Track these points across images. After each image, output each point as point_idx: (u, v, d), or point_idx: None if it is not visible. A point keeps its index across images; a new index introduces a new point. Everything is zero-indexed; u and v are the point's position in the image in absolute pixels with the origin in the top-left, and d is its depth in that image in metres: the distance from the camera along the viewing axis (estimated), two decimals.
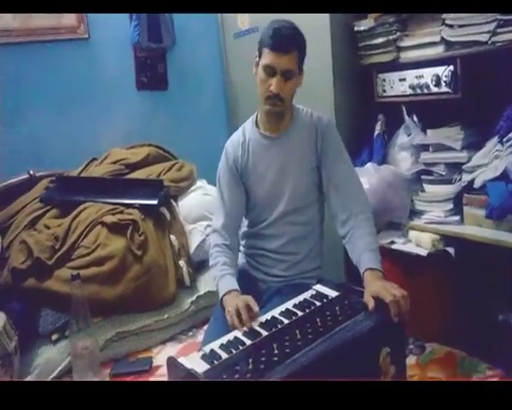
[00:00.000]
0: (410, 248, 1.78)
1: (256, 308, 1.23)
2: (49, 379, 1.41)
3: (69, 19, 2.26)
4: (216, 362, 1.02)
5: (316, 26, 1.90)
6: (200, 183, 2.35)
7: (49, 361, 1.47)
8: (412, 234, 1.80)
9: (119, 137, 2.39)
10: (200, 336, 1.66)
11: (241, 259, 1.59)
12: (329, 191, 1.44)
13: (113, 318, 1.69)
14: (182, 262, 1.96)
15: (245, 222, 1.61)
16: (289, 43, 1.34)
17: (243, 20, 2.55)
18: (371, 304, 1.13)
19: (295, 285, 1.46)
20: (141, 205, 1.97)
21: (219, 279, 1.39)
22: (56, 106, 2.24)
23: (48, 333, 1.56)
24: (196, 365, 1.00)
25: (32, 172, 2.06)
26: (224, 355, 1.04)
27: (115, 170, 2.15)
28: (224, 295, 1.33)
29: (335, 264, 1.94)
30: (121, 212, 1.92)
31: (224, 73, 2.76)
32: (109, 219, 1.84)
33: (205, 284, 1.97)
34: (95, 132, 2.35)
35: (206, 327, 1.58)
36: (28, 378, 1.39)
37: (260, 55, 1.39)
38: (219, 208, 1.52)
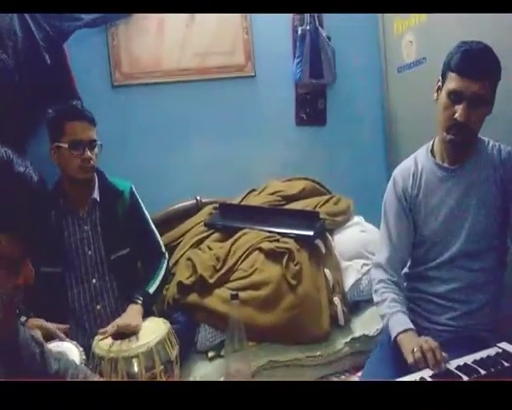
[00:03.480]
0: None
1: (443, 353, 1.12)
2: None
3: (239, 58, 2.53)
4: None
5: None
6: (358, 219, 2.32)
7: (205, 378, 1.54)
8: None
9: (276, 169, 2.53)
10: None
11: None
12: None
13: (266, 345, 1.72)
14: (336, 299, 1.92)
15: (408, 261, 1.50)
16: (482, 68, 1.22)
17: (409, 52, 2.52)
18: None
19: (468, 338, 1.29)
20: (296, 235, 2.02)
21: (390, 316, 1.31)
22: (221, 137, 2.49)
23: (205, 349, 1.65)
24: None
25: (198, 198, 2.30)
26: None
27: (273, 201, 2.27)
28: (399, 333, 1.25)
29: None
30: (277, 240, 1.99)
31: (385, 108, 2.73)
32: (266, 245, 1.93)
33: (360, 327, 1.88)
34: (255, 164, 2.53)
35: (360, 373, 1.49)
36: None
37: (444, 80, 1.29)
38: (384, 241, 1.45)
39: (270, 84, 2.58)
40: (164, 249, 1.81)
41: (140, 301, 1.57)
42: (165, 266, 1.75)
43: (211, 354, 1.65)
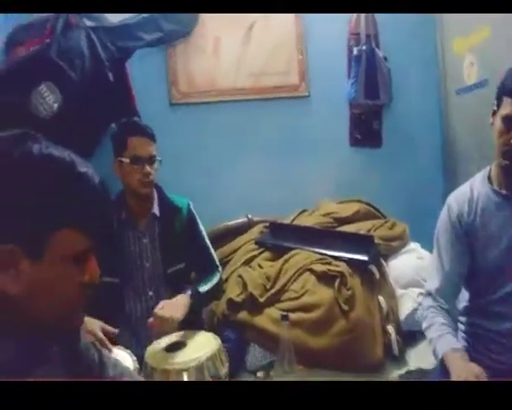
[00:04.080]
0: None
1: None
2: None
3: (293, 78, 2.57)
4: None
5: None
6: (414, 245, 2.25)
7: None
8: None
9: (329, 190, 2.52)
10: None
11: (460, 339, 1.41)
12: None
13: (316, 370, 1.68)
14: (390, 328, 1.86)
15: (465, 295, 1.44)
16: None
17: (470, 73, 2.46)
18: None
19: None
20: (350, 259, 1.98)
21: (437, 339, 1.27)
22: (274, 157, 2.53)
23: (254, 369, 1.64)
24: None
25: (249, 217, 2.33)
26: None
27: (325, 222, 2.25)
28: (448, 353, 1.20)
29: None
30: (329, 263, 1.96)
31: (443, 131, 2.67)
32: (318, 267, 1.91)
33: (416, 360, 1.81)
34: (307, 184, 2.54)
35: None
36: None
37: (499, 104, 1.27)
38: (436, 269, 1.41)
39: (324, 104, 2.60)
40: (218, 264, 1.83)
41: (189, 292, 1.58)
42: (218, 276, 1.77)
43: (260, 373, 1.64)
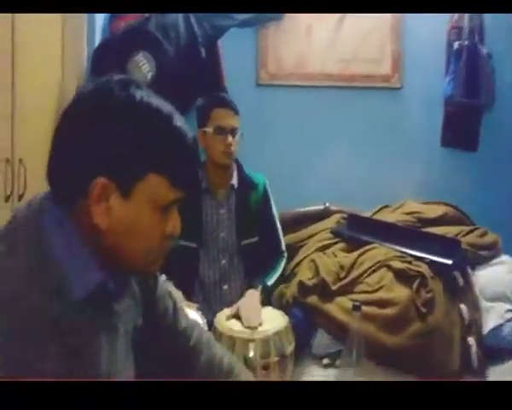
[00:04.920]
0: None
1: None
2: None
3: (385, 67, 2.50)
4: None
5: None
6: (506, 258, 2.10)
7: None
8: None
9: (414, 189, 2.43)
10: None
11: None
12: None
13: (385, 368, 1.62)
14: (471, 339, 1.75)
15: None
16: None
17: None
18: None
19: None
20: (432, 261, 1.88)
21: None
22: (358, 148, 2.47)
23: (320, 355, 1.62)
24: None
25: (327, 205, 2.32)
26: None
27: (408, 221, 2.16)
28: None
29: None
30: (409, 262, 1.88)
31: None
32: (397, 264, 1.84)
33: (500, 378, 1.67)
34: (391, 180, 2.46)
35: None
36: None
37: None
38: None
39: (417, 98, 2.51)
40: (284, 249, 1.89)
41: (259, 288, 1.66)
42: (283, 264, 1.85)
43: (325, 361, 1.62)
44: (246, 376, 1.05)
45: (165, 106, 0.75)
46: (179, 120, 0.76)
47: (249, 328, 1.44)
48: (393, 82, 2.50)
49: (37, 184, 1.48)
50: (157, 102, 0.74)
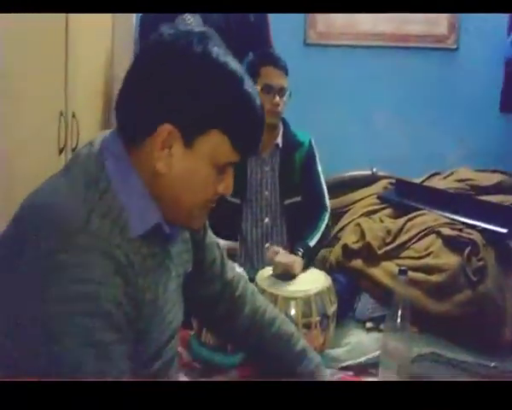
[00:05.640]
0: None
1: None
2: (356, 361, 1.45)
3: (440, 28, 2.39)
4: None
5: None
6: None
7: (361, 344, 1.52)
8: None
9: (467, 155, 2.35)
10: None
11: None
12: None
13: (429, 336, 1.60)
14: None
15: None
16: None
17: None
18: None
19: None
20: (485, 229, 1.83)
21: None
22: (409, 111, 2.42)
23: (363, 319, 1.62)
24: None
25: (374, 170, 2.30)
26: None
27: (460, 188, 2.10)
28: None
29: None
30: (460, 229, 1.83)
31: None
32: (447, 231, 1.79)
33: None
34: (443, 145, 2.39)
35: None
36: (338, 351, 1.48)
37: None
38: None
39: (475, 60, 2.41)
40: (327, 203, 1.85)
41: (300, 253, 1.63)
42: (326, 219, 1.80)
43: (369, 324, 1.62)
44: (288, 327, 1.07)
45: (239, 68, 0.78)
46: (250, 85, 0.78)
47: (286, 275, 1.48)
48: (449, 43, 2.40)
49: (89, 138, 1.54)
50: (232, 62, 0.77)
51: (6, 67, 1.24)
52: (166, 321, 0.84)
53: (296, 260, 1.56)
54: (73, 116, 1.56)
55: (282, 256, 1.56)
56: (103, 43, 1.84)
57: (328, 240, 1.84)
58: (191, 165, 0.76)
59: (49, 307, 0.65)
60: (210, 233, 1.02)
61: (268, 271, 1.53)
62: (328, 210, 1.84)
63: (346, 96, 2.43)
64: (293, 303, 1.39)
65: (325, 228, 1.78)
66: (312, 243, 1.70)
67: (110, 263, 0.69)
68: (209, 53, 0.74)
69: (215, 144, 0.75)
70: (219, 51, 0.75)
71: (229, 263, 1.08)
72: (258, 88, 1.73)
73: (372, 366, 1.48)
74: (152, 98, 0.74)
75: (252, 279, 1.50)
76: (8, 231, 0.73)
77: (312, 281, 1.50)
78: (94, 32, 1.75)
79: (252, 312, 1.05)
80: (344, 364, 1.45)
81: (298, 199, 1.82)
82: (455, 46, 2.39)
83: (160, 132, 0.73)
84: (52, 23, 1.49)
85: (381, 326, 1.56)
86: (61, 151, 1.51)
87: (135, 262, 0.74)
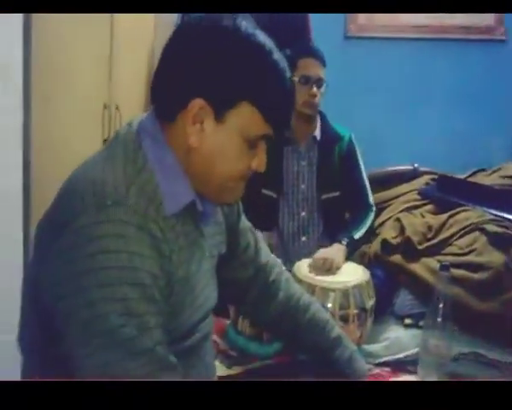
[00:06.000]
0: None
1: None
2: (395, 357, 1.44)
3: (487, 18, 2.32)
4: None
5: None
6: None
7: (399, 340, 1.51)
8: None
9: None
10: None
11: None
12: None
13: (470, 334, 1.56)
14: None
15: None
16: None
17: None
18: None
19: None
20: None
21: None
22: (452, 105, 2.36)
23: (402, 315, 1.61)
24: None
25: (415, 166, 2.26)
26: None
27: (506, 185, 2.04)
28: None
29: None
30: (506, 227, 1.78)
31: None
32: (492, 228, 1.75)
33: None
34: (487, 142, 2.32)
35: None
36: (375, 347, 1.46)
37: None
38: None
39: None
40: (372, 201, 1.85)
41: (345, 243, 1.64)
42: (371, 217, 1.80)
43: (407, 321, 1.60)
44: (322, 314, 1.08)
45: (268, 41, 0.79)
46: (280, 57, 0.79)
47: (327, 272, 1.48)
48: (497, 34, 2.32)
49: None
50: (260, 35, 0.78)
51: (53, 63, 1.30)
52: (199, 300, 0.86)
53: (339, 252, 1.58)
54: (117, 109, 1.62)
55: (324, 252, 1.57)
56: (146, 38, 1.89)
57: (370, 237, 1.83)
58: (222, 139, 0.77)
59: (87, 276, 0.68)
60: (244, 219, 1.04)
61: (305, 262, 1.54)
62: (374, 210, 1.84)
63: (388, 90, 2.39)
64: (331, 294, 1.39)
65: (370, 226, 1.78)
66: (357, 236, 1.71)
67: (146, 236, 0.72)
68: (238, 26, 0.76)
69: (245, 117, 0.77)
70: (248, 25, 0.77)
71: (265, 248, 1.09)
72: (296, 80, 1.74)
73: (410, 363, 1.47)
74: (183, 74, 0.76)
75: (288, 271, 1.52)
76: (54, 204, 0.78)
77: (351, 273, 1.50)
78: (137, 27, 1.80)
79: (286, 298, 1.05)
80: (381, 360, 1.44)
81: (336, 194, 1.82)
82: (504, 37, 2.31)
83: (192, 107, 0.75)
84: (98, 20, 1.55)
85: (421, 323, 1.53)
86: (104, 143, 1.57)
87: (169, 238, 0.76)
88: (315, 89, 1.74)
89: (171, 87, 0.78)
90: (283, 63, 0.79)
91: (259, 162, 0.82)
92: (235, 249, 1.01)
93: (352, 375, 1.03)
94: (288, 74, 0.80)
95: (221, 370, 1.29)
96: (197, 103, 0.75)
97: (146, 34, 1.90)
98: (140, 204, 0.73)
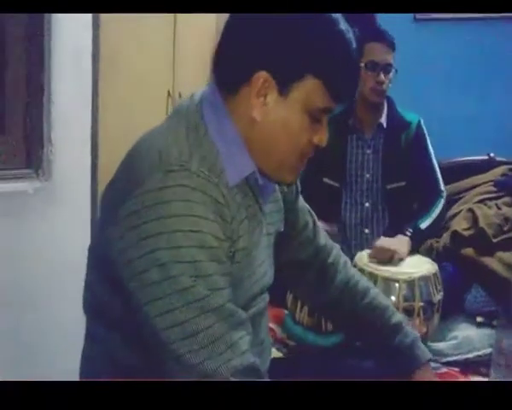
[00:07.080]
0: None
1: None
2: (464, 357, 1.37)
3: None
4: None
5: None
6: None
7: (469, 339, 1.43)
8: None
9: None
10: None
11: None
12: None
13: None
14: None
15: None
16: None
17: None
18: None
19: None
20: None
21: None
22: None
23: (473, 312, 1.53)
24: None
25: (491, 155, 2.14)
26: None
27: None
28: None
29: None
30: None
31: None
32: None
33: None
34: None
35: None
36: (443, 345, 1.40)
37: None
38: None
39: None
40: (443, 188, 1.78)
41: (409, 234, 1.59)
42: (441, 205, 1.73)
43: (479, 319, 1.51)
44: (382, 299, 1.05)
45: (333, 13, 0.79)
46: (345, 27, 0.78)
47: (389, 263, 1.43)
48: None
49: None
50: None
51: (119, 51, 1.37)
52: (257, 275, 0.87)
53: (401, 243, 1.53)
54: (180, 96, 1.67)
55: (385, 241, 1.52)
56: (208, 26, 1.94)
57: (439, 228, 1.75)
58: (285, 113, 0.78)
59: (156, 239, 0.71)
60: (301, 199, 1.04)
61: (367, 252, 1.51)
62: (444, 196, 1.77)
63: (460, 75, 2.28)
64: (394, 285, 1.35)
65: (439, 215, 1.71)
66: (424, 225, 1.65)
67: (210, 201, 0.73)
68: None
69: (309, 90, 0.77)
70: None
71: (323, 231, 1.08)
72: (362, 65, 1.70)
73: (482, 364, 1.40)
74: (247, 46, 0.78)
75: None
76: (118, 172, 0.82)
77: (417, 265, 1.45)
78: (199, 15, 1.85)
79: (344, 280, 1.04)
80: (450, 358, 1.38)
81: (402, 184, 1.76)
82: None
83: (255, 80, 0.76)
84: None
85: (494, 322, 1.46)
86: None
87: (231, 205, 0.78)
88: (382, 75, 1.70)
89: (234, 59, 0.79)
90: (349, 34, 0.78)
91: (321, 137, 0.82)
92: (293, 228, 1.01)
93: (413, 363, 1.00)
94: (354, 45, 0.79)
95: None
96: (261, 76, 0.76)
97: (208, 22, 1.94)
98: (203, 170, 0.75)
